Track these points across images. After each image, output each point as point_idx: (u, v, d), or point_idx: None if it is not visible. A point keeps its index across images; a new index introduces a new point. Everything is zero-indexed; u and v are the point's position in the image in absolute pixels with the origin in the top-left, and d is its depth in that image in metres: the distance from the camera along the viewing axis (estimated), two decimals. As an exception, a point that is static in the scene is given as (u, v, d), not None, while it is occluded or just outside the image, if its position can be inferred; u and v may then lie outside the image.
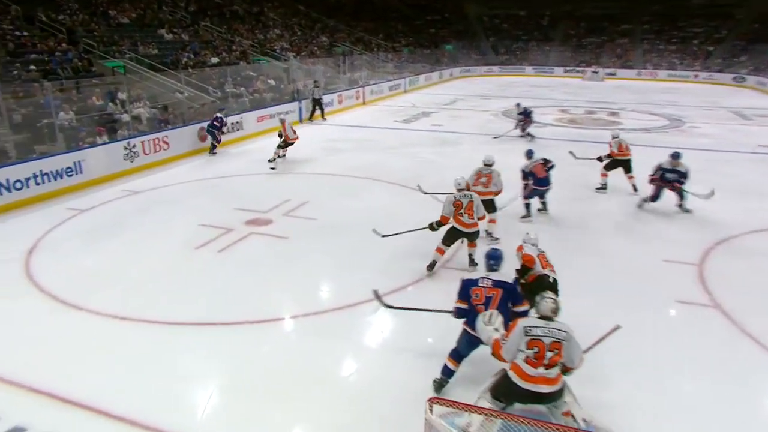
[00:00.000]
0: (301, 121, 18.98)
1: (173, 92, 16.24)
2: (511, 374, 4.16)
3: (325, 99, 20.12)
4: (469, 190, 7.51)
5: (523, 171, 9.52)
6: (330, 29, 35.68)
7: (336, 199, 10.58)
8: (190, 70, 18.08)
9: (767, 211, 10.20)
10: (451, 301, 5.81)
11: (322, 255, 7.97)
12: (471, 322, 4.81)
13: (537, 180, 9.33)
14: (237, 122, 15.85)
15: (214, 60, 20.71)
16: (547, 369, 4.05)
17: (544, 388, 4.05)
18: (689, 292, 6.93)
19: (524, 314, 4.70)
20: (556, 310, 4.21)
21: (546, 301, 4.22)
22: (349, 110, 22.24)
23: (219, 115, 14.41)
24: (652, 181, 9.87)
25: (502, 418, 3.44)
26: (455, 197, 7.23)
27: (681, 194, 9.75)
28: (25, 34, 16.31)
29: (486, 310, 4.75)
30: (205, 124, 14.33)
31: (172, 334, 5.88)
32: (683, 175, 9.61)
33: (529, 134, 16.58)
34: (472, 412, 3.72)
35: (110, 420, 4.52)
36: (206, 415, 4.65)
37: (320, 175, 12.26)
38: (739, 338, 5.97)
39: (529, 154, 9.80)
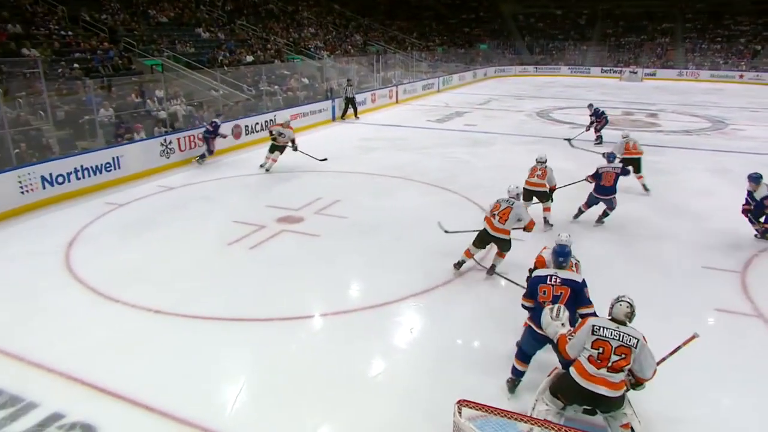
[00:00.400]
0: (334, 119, 19.11)
1: (208, 90, 16.52)
2: (572, 371, 4.11)
3: (358, 98, 20.20)
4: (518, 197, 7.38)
5: (597, 170, 9.06)
6: (364, 28, 35.82)
7: (368, 198, 10.63)
8: (225, 68, 18.36)
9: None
10: (481, 305, 5.81)
11: (352, 254, 8.01)
12: (537, 320, 4.72)
13: (600, 188, 8.96)
14: (270, 120, 16.02)
15: (249, 58, 20.99)
16: (609, 372, 3.97)
17: (603, 390, 3.94)
18: (731, 300, 6.75)
19: (588, 316, 4.58)
20: (630, 315, 4.13)
21: (621, 304, 4.16)
22: (382, 109, 22.28)
23: (216, 120, 13.29)
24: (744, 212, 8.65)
25: (554, 429, 3.40)
26: (498, 199, 7.19)
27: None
28: (70, 33, 16.80)
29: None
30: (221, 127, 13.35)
31: (204, 329, 5.98)
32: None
33: (600, 137, 15.98)
34: (501, 416, 3.70)
35: (142, 410, 4.62)
36: (235, 411, 4.71)
37: (352, 174, 12.32)
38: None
39: (611, 157, 9.36)
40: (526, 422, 3.78)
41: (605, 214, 9.27)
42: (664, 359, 4.43)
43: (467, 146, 15.58)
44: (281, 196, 10.61)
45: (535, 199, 9.14)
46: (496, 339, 5.76)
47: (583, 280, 4.91)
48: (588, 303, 4.83)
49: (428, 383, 5.08)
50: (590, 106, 16.84)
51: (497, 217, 7.02)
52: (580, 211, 9.33)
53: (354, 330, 6.05)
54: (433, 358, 5.54)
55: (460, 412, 3.23)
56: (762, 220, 8.45)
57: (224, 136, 13.47)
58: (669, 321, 5.84)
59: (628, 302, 4.14)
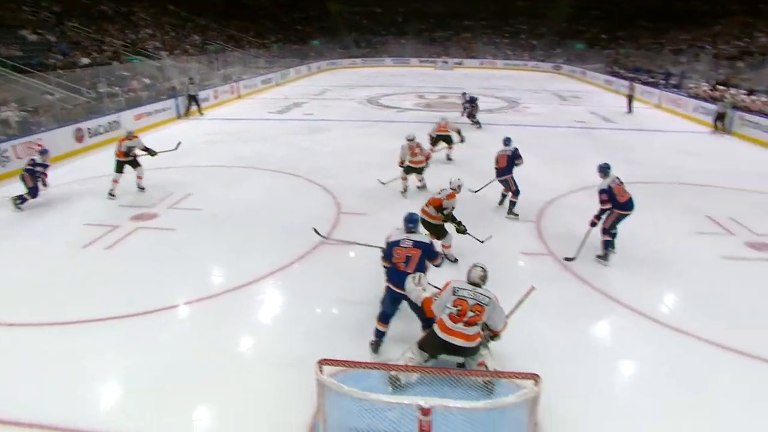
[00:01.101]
0: (179, 116, 17.93)
1: (42, 94, 14.61)
2: (435, 327, 4.39)
3: (201, 95, 19.10)
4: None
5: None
6: (201, 28, 33.71)
7: (219, 188, 10.17)
8: (59, 71, 16.30)
9: (583, 173, 11.29)
10: (336, 275, 5.93)
11: (210, 242, 7.67)
12: (393, 280, 4.91)
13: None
14: (114, 121, 14.62)
15: (85, 61, 18.84)
16: (465, 326, 4.29)
17: (459, 342, 4.28)
18: (531, 244, 7.58)
19: (438, 267, 5.12)
20: (484, 278, 4.50)
21: (476, 269, 4.51)
22: (225, 104, 21.34)
23: (35, 158, 9.22)
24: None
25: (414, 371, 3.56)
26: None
27: None
28: None
29: (406, 267, 4.88)
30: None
31: (69, 335, 5.41)
32: None
33: (477, 122, 16.22)
34: (361, 368, 3.85)
35: (18, 428, 4.12)
36: (111, 410, 4.38)
37: (202, 167, 11.70)
38: (567, 278, 6.68)
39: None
40: (387, 369, 3.98)
41: (503, 196, 8.93)
42: (512, 312, 4.87)
43: (307, 134, 15.52)
44: (132, 195, 9.79)
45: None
46: (352, 306, 5.89)
47: (431, 242, 5.18)
48: (437, 256, 5.16)
49: (295, 352, 5.05)
50: (464, 94, 17.04)
51: (430, 206, 6.86)
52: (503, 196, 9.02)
53: (219, 313, 5.84)
54: (297, 328, 5.54)
55: (321, 371, 3.28)
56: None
57: (46, 166, 9.46)
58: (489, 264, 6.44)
59: (481, 267, 4.53)
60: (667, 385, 4.72)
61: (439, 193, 6.91)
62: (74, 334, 5.42)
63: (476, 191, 8.96)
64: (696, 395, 4.58)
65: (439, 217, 6.81)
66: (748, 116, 15.79)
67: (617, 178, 6.98)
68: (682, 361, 5.05)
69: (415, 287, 4.67)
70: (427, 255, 5.05)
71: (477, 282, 4.47)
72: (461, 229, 6.88)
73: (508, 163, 8.57)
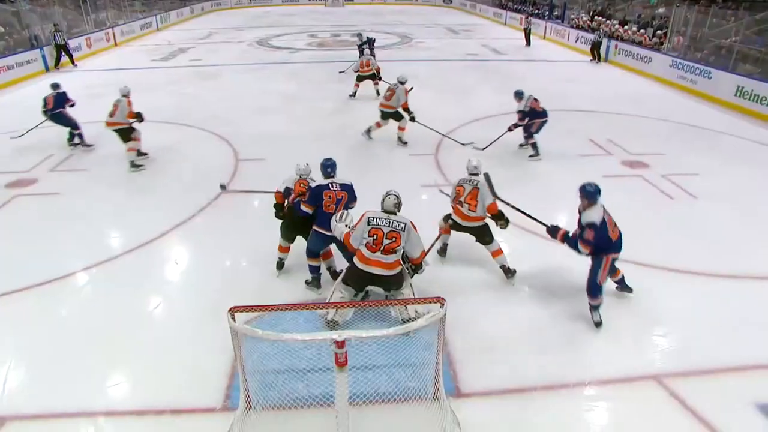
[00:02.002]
0: (47, 70, 16.11)
1: None
2: (355, 260, 4.42)
3: (72, 43, 17.24)
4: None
5: (521, 112, 8.45)
6: (60, -34, 29.97)
7: (105, 146, 9.37)
8: None
9: (477, 105, 11.70)
10: (240, 224, 5.81)
11: (102, 203, 7.18)
12: (322, 223, 4.89)
13: (537, 113, 8.47)
14: (-34, 78, 12.91)
15: None
16: (384, 254, 4.33)
17: (379, 271, 4.33)
18: (429, 176, 7.82)
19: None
20: (397, 205, 4.54)
21: (389, 197, 4.55)
22: (101, 53, 19.45)
23: None
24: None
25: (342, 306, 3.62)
26: (461, 181, 5.61)
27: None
28: None
29: (336, 210, 4.88)
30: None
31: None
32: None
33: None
34: (270, 311, 3.87)
35: None
36: (23, 391, 4.10)
37: (83, 124, 10.71)
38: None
39: (520, 94, 8.58)
40: (297, 309, 4.02)
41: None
42: (428, 251, 5.02)
43: (196, 81, 14.64)
44: (4, 159, 8.83)
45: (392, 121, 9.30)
46: (260, 254, 5.75)
47: (352, 184, 5.20)
48: (355, 199, 5.19)
49: (207, 305, 4.97)
50: (359, 35, 15.66)
51: (466, 206, 5.44)
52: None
53: (121, 276, 5.57)
54: (206, 282, 5.43)
55: (234, 318, 3.24)
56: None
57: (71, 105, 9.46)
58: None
59: (395, 195, 4.59)
60: (556, 293, 5.20)
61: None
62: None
63: (483, 149, 8.78)
64: (582, 299, 5.08)
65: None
66: (621, 45, 16.90)
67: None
68: (569, 271, 5.56)
69: (338, 223, 4.68)
70: (351, 197, 5.10)
71: (391, 210, 4.54)
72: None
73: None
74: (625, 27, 18.09)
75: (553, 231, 4.90)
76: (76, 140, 9.36)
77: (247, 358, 3.49)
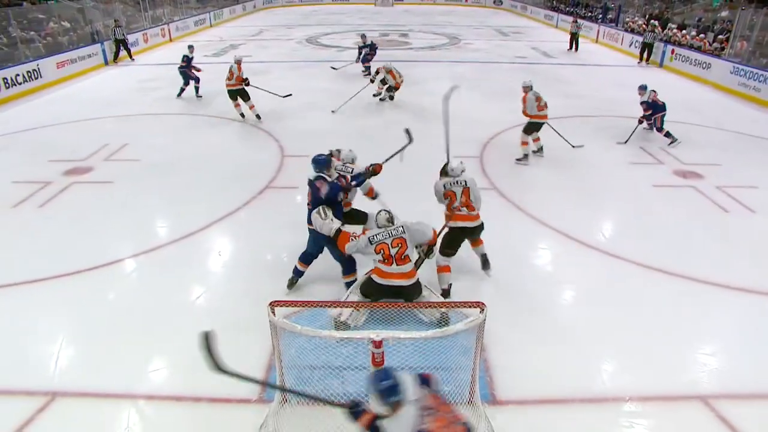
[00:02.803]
0: (106, 63, 16.81)
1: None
2: (373, 275, 4.43)
3: (130, 38, 17.93)
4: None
5: (645, 103, 9.48)
6: (122, -36, 31.18)
7: (157, 138, 9.76)
8: (-43, 14, 14.82)
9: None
10: (281, 219, 5.90)
11: (152, 193, 7.42)
12: (308, 218, 4.92)
13: (658, 106, 9.44)
14: (34, 70, 13.56)
15: (-10, 2, 17.17)
16: (399, 264, 4.34)
17: (399, 282, 4.33)
18: (476, 178, 7.72)
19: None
20: (390, 219, 4.58)
21: (380, 214, 4.60)
22: (157, 48, 20.13)
23: (187, 54, 12.49)
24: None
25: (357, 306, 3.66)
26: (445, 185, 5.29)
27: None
28: None
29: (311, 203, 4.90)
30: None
31: (10, 298, 5.19)
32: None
33: (368, 68, 14.99)
34: (312, 307, 3.93)
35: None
36: (67, 369, 4.27)
37: (137, 116, 11.15)
38: (511, 210, 6.93)
39: (643, 87, 9.61)
40: (338, 306, 4.07)
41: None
42: (440, 231, 4.94)
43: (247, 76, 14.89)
44: (63, 148, 9.21)
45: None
46: (303, 247, 5.76)
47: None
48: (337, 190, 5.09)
49: (248, 297, 5.07)
50: (363, 36, 15.71)
51: (464, 209, 5.12)
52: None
53: (166, 265, 5.74)
54: (245, 274, 5.53)
55: (273, 312, 3.32)
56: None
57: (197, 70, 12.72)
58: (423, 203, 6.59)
59: (385, 211, 4.64)
60: (602, 305, 5.06)
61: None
62: (19, 297, 5.21)
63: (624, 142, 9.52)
64: (628, 313, 4.94)
65: None
66: (678, 50, 16.31)
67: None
68: (617, 283, 5.41)
69: (323, 220, 4.67)
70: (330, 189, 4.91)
71: (385, 225, 4.56)
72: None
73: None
74: (684, 31, 17.45)
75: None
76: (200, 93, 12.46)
77: (285, 352, 3.54)
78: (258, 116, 10.72)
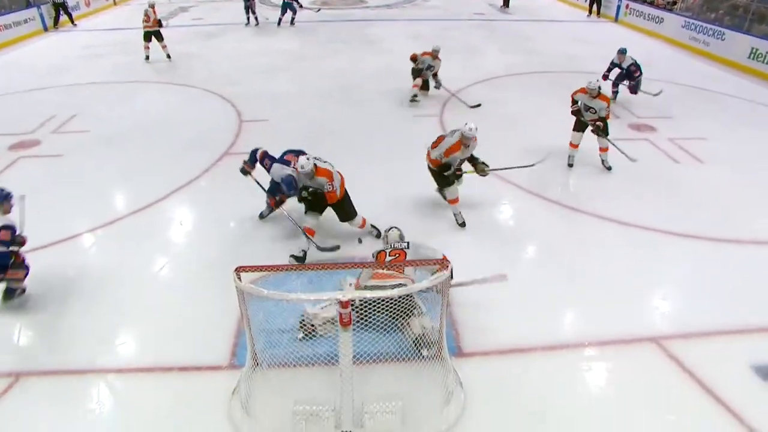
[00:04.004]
0: (46, 29, 15.87)
1: None
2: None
3: (70, 2, 16.91)
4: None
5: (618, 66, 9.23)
6: None
7: (106, 107, 9.35)
8: None
9: (486, 65, 11.53)
10: (240, 186, 5.83)
11: (105, 165, 7.17)
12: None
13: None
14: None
15: None
16: (389, 270, 4.10)
17: (385, 282, 4.01)
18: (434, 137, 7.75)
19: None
20: (401, 237, 4.51)
21: (392, 231, 4.53)
22: (100, 12, 19.07)
23: None
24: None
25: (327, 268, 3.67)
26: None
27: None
28: None
29: None
30: None
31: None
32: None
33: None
34: (275, 271, 3.92)
35: None
36: (23, 349, 4.23)
37: (83, 85, 10.63)
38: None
39: (623, 51, 9.19)
40: (304, 270, 4.07)
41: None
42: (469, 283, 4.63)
43: (198, 40, 14.39)
44: (6, 121, 8.76)
45: None
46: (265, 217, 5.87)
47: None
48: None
49: (211, 266, 5.05)
50: None
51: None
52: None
53: (126, 237, 5.62)
54: (209, 243, 5.49)
55: (239, 278, 3.31)
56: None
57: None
58: (402, 161, 6.62)
59: (396, 228, 4.57)
60: (560, 256, 5.25)
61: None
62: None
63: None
64: (585, 263, 5.14)
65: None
66: (632, 4, 16.48)
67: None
68: (574, 235, 5.61)
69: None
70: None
71: (397, 240, 4.46)
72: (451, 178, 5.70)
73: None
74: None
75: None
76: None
77: (253, 317, 3.57)
78: (168, 56, 12.03)
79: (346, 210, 5.22)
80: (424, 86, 9.29)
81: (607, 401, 3.73)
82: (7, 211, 4.56)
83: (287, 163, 5.08)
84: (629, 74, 9.13)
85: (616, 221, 5.82)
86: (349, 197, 5.24)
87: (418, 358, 3.66)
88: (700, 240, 5.53)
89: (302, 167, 4.76)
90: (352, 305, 3.06)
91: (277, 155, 5.26)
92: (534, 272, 5.05)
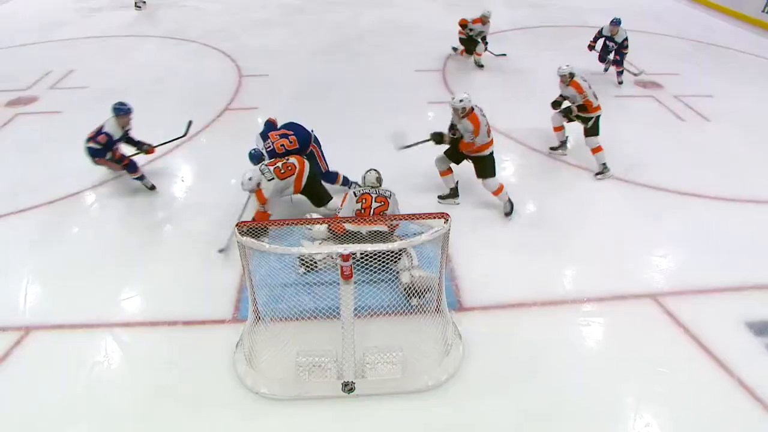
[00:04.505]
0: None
1: None
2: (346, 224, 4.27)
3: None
4: None
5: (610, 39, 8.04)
6: None
7: (105, 62, 9.23)
8: None
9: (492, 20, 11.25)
10: (240, 139, 5.83)
11: (103, 121, 7.08)
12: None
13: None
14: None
15: None
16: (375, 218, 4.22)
17: (372, 228, 4.19)
18: (436, 93, 7.69)
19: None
20: (379, 179, 4.58)
21: (370, 172, 4.59)
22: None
23: None
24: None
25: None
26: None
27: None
28: None
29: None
30: None
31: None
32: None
33: None
34: (277, 226, 3.98)
35: None
36: (31, 304, 4.30)
37: (79, 40, 10.45)
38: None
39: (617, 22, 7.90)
40: (305, 224, 4.11)
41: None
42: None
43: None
44: (1, 76, 8.66)
45: None
46: None
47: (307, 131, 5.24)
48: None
49: (213, 221, 5.10)
50: None
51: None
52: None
53: (128, 194, 5.65)
54: (210, 199, 5.51)
55: (240, 233, 3.33)
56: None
57: None
58: (404, 117, 6.59)
59: (375, 170, 4.63)
60: (563, 213, 5.28)
61: None
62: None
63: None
64: (585, 220, 5.17)
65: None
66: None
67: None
68: (575, 192, 5.63)
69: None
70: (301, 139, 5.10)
71: (374, 184, 4.57)
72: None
73: None
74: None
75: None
76: None
77: (255, 272, 3.64)
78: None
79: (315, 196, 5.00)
80: (469, 51, 8.82)
81: (601, 355, 3.84)
82: (125, 125, 5.29)
83: (266, 138, 5.11)
84: (619, 48, 8.02)
85: (620, 179, 5.82)
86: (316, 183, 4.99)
87: (408, 306, 3.76)
88: (702, 198, 5.55)
89: (242, 184, 4.60)
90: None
91: (280, 112, 5.25)
92: (535, 228, 5.08)
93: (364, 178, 4.66)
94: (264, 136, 5.16)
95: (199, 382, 3.60)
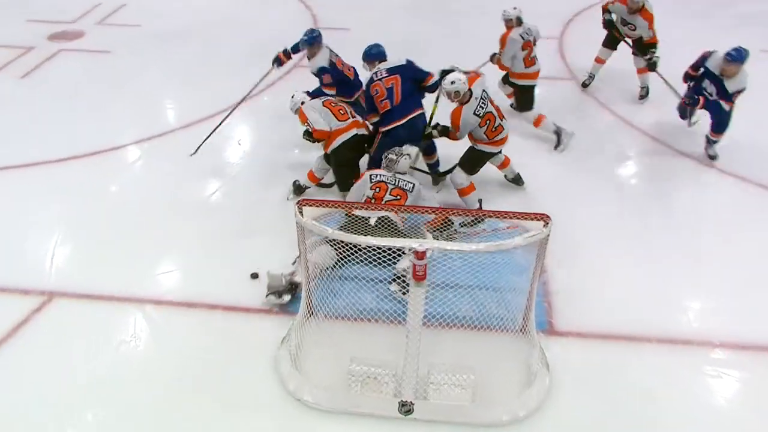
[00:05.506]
0: None
1: None
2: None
3: None
4: None
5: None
6: None
7: (160, 0, 9.70)
8: None
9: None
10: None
11: (156, 67, 7.63)
12: (387, 121, 5.06)
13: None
14: None
15: None
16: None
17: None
18: (551, 65, 7.54)
19: (435, 86, 5.09)
20: (413, 166, 4.76)
21: (405, 158, 4.63)
22: None
23: None
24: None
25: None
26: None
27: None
28: None
29: (391, 101, 5.01)
30: None
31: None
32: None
33: None
34: (344, 208, 4.11)
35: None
36: (57, 267, 4.67)
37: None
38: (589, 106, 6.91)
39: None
40: (363, 209, 4.25)
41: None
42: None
43: None
44: (44, 5, 9.28)
45: None
46: None
47: (407, 60, 5.27)
48: (425, 74, 5.22)
49: (271, 195, 5.34)
50: None
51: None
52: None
53: (176, 154, 5.98)
54: (268, 168, 5.76)
55: (301, 213, 3.45)
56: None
57: None
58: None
59: (408, 155, 4.66)
60: (698, 230, 5.12)
61: None
62: (5, 184, 5.60)
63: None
64: (729, 242, 4.98)
65: None
66: None
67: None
68: (719, 205, 5.44)
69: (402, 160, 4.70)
70: (412, 74, 5.16)
71: (400, 171, 4.61)
72: None
73: None
74: None
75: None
76: None
77: (311, 257, 3.79)
78: None
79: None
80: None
81: (733, 419, 3.64)
82: (314, 54, 5.68)
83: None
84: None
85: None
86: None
87: (487, 320, 3.80)
88: None
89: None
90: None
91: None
92: (658, 245, 4.95)
93: (395, 163, 4.63)
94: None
95: (234, 379, 3.76)
